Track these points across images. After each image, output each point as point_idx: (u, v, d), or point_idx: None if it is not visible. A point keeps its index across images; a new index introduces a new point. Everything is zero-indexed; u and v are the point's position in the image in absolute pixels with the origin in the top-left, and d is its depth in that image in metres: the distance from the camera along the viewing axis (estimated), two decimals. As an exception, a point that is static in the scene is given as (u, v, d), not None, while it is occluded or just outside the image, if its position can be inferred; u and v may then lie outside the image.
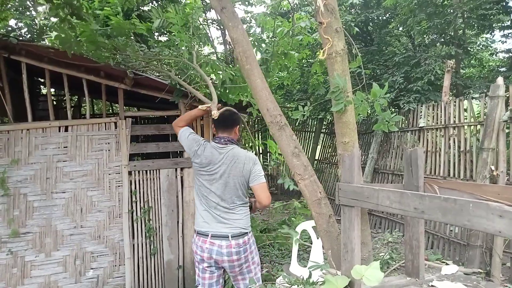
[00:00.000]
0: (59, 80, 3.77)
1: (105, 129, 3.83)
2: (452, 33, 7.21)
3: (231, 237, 2.54)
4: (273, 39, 3.91)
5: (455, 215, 1.45)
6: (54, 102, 6.90)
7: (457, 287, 2.02)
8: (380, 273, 1.77)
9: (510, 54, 8.01)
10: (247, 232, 2.63)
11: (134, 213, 3.88)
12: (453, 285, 2.05)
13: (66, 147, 3.70)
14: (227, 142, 2.68)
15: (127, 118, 3.86)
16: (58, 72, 3.66)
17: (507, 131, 4.24)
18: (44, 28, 5.11)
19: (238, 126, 2.80)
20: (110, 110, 8.13)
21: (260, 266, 2.80)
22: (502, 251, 3.99)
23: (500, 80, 4.19)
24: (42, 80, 5.18)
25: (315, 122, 9.62)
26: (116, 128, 3.84)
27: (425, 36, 7.82)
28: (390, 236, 5.37)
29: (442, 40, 7.48)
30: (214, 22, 9.24)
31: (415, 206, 1.60)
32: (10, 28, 5.26)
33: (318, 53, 2.29)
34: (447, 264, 2.82)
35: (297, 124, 9.65)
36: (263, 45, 3.92)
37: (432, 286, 2.06)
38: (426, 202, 1.56)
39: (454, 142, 5.05)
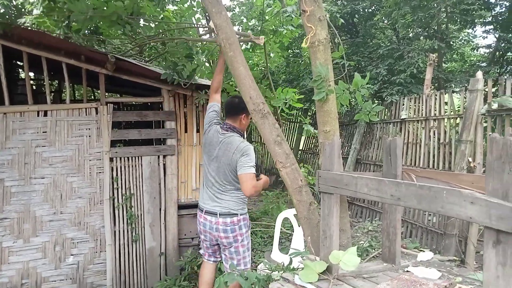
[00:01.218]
0: (38, 64, 3.67)
1: (86, 114, 3.76)
2: (436, 27, 7.31)
3: (219, 214, 2.71)
4: (263, 16, 3.87)
5: (429, 202, 1.50)
6: (34, 87, 6.72)
7: (431, 272, 2.08)
8: (357, 258, 1.82)
9: (491, 49, 8.18)
10: (236, 214, 2.70)
11: (116, 200, 3.84)
12: (427, 270, 2.11)
13: (45, 132, 3.63)
14: (228, 129, 2.79)
15: (108, 104, 3.80)
16: (37, 55, 3.56)
17: (484, 124, 4.35)
18: (23, 9, 4.94)
19: (244, 115, 2.80)
20: (92, 96, 7.97)
21: (250, 251, 2.86)
22: (476, 239, 4.13)
23: (479, 74, 4.29)
24: (21, 64, 5.02)
25: (300, 112, 9.66)
26: (97, 113, 3.78)
27: (409, 29, 7.90)
28: (370, 224, 5.49)
29: (426, 34, 7.57)
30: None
31: (392, 193, 1.64)
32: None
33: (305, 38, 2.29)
34: (423, 252, 2.91)
35: (286, 114, 9.67)
36: (252, 21, 3.88)
37: (407, 271, 2.12)
38: (403, 189, 1.60)
39: (434, 134, 5.16)
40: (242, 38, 3.29)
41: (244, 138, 2.84)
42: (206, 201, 2.79)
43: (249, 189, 2.59)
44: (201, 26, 3.89)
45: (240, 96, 2.84)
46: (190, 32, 3.62)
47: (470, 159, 4.24)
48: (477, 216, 1.32)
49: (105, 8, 3.05)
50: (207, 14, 3.63)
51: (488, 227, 1.30)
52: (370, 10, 8.46)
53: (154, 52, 4.11)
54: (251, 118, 2.94)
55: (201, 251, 3.05)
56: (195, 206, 4.14)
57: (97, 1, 3.05)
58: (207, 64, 3.81)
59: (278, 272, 2.58)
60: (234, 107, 2.82)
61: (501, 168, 1.27)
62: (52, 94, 7.02)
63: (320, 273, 1.96)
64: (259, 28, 3.73)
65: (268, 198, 6.77)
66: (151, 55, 4.13)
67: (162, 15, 3.35)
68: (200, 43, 3.94)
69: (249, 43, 3.91)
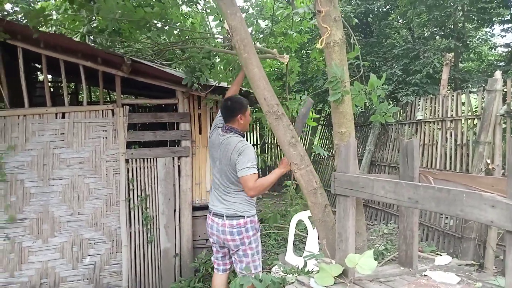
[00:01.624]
0: (56, 66, 3.74)
1: (102, 116, 3.82)
2: (452, 26, 7.18)
3: (226, 217, 2.69)
4: (272, 18, 3.87)
5: (448, 205, 1.47)
6: (52, 89, 6.86)
7: (450, 277, 2.04)
8: (374, 262, 1.80)
9: (509, 48, 8.00)
10: (243, 216, 2.67)
11: (131, 201, 3.89)
12: (446, 275, 2.07)
13: (63, 133, 3.69)
14: (228, 131, 2.79)
15: (124, 106, 3.85)
16: (55, 57, 3.64)
17: (503, 125, 4.25)
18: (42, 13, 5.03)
19: (240, 115, 2.79)
20: (108, 98, 8.10)
21: (260, 254, 2.81)
22: (495, 243, 4.04)
23: (498, 74, 4.20)
24: (39, 66, 5.13)
25: (314, 113, 9.62)
26: (113, 115, 3.83)
27: (424, 28, 7.78)
28: (386, 227, 5.42)
29: (442, 33, 7.45)
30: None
31: (409, 196, 1.62)
32: (6, 13, 5.20)
33: (316, 41, 2.28)
34: (441, 255, 2.86)
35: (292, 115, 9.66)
36: (263, 23, 3.89)
37: (425, 275, 2.08)
38: (421, 192, 1.57)
39: (451, 135, 5.07)
40: (267, 54, 3.30)
41: (244, 137, 2.82)
42: (214, 203, 2.79)
43: (249, 191, 2.56)
44: (221, 36, 3.90)
45: (232, 98, 2.86)
46: (212, 43, 3.64)
47: (489, 161, 4.15)
48: (498, 219, 1.29)
49: (134, 12, 3.11)
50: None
51: (509, 231, 1.27)
52: (385, 9, 8.37)
53: (173, 56, 4.14)
54: (250, 115, 2.96)
55: (212, 258, 3.01)
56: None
57: (126, 6, 3.11)
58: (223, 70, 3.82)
59: (293, 275, 2.57)
60: (229, 110, 2.80)
61: (523, 171, 1.24)
62: (69, 96, 7.19)
63: (336, 276, 1.94)
64: (269, 31, 3.73)
65: (281, 200, 6.76)
66: (171, 59, 4.16)
67: (188, 22, 3.40)
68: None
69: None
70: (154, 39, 3.44)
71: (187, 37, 3.65)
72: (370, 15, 8.34)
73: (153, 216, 3.96)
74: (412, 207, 2.02)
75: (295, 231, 4.05)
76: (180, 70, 3.54)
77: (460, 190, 1.44)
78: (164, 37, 3.57)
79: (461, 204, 1.42)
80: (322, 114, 9.46)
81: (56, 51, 3.61)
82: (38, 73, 6.23)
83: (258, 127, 9.96)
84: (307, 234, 3.89)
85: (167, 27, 3.36)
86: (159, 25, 3.29)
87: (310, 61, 8.94)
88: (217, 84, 3.71)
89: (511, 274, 1.25)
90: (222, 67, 3.92)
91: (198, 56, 3.45)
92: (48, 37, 3.59)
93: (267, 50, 3.30)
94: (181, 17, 3.44)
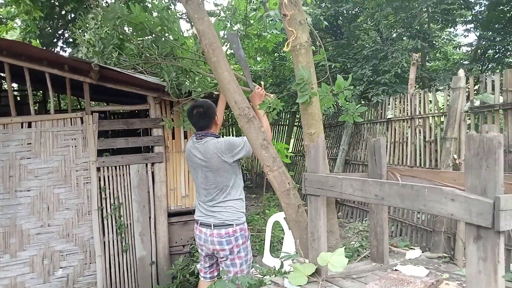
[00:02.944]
0: (22, 75, 3.63)
1: (71, 124, 3.73)
2: (418, 27, 7.43)
3: (213, 226, 2.61)
4: (245, 21, 3.89)
5: (412, 200, 1.52)
6: (18, 98, 6.65)
7: (419, 270, 2.10)
8: (345, 259, 1.83)
9: (472, 47, 8.34)
10: (231, 224, 2.59)
11: (104, 210, 3.81)
12: (415, 268, 2.14)
13: (30, 143, 3.58)
14: (202, 136, 2.69)
15: (93, 113, 3.77)
16: (19, 66, 3.52)
17: (468, 121, 4.43)
18: (3, 19, 4.89)
19: (216, 116, 2.74)
20: (78, 106, 7.91)
21: (250, 263, 2.72)
22: (465, 236, 4.18)
23: (461, 72, 4.37)
24: (3, 75, 4.96)
25: (288, 116, 9.71)
26: (82, 123, 3.75)
27: (392, 30, 8.02)
28: (361, 225, 5.52)
29: (409, 34, 7.69)
30: (183, 15, 9.11)
31: (376, 193, 1.66)
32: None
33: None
34: (413, 249, 2.94)
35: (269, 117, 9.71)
36: (236, 26, 3.90)
37: (395, 270, 2.14)
38: (386, 189, 1.62)
39: (420, 132, 5.23)
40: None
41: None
42: (201, 213, 2.71)
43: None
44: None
45: (203, 103, 2.74)
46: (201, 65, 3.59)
47: (456, 156, 4.30)
48: (458, 212, 1.35)
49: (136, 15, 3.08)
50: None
51: (468, 223, 1.32)
52: (354, 11, 8.57)
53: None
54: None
55: (198, 266, 2.92)
56: (185, 213, 4.14)
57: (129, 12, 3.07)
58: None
59: (270, 276, 2.58)
60: (206, 116, 2.70)
61: (478, 165, 1.30)
62: (37, 105, 6.98)
63: (309, 275, 1.96)
64: (243, 33, 3.74)
65: (259, 202, 6.77)
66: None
67: (184, 41, 3.35)
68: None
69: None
70: (146, 45, 3.37)
71: (176, 56, 3.61)
72: (340, 18, 8.51)
73: (127, 224, 3.89)
74: (379, 204, 2.07)
75: (272, 233, 4.07)
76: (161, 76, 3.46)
77: (423, 185, 1.49)
78: (155, 48, 3.51)
79: (423, 199, 1.47)
80: (297, 116, 9.56)
81: (20, 59, 3.50)
82: (3, 81, 6.01)
83: (234, 130, 9.96)
84: (284, 235, 3.92)
85: (163, 39, 3.31)
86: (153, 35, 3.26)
87: (283, 64, 9.05)
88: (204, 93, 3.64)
89: (471, 264, 1.31)
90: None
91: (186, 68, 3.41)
92: (11, 45, 3.48)
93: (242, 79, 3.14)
94: (179, 35, 3.39)
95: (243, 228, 2.66)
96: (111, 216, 3.82)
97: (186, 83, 3.52)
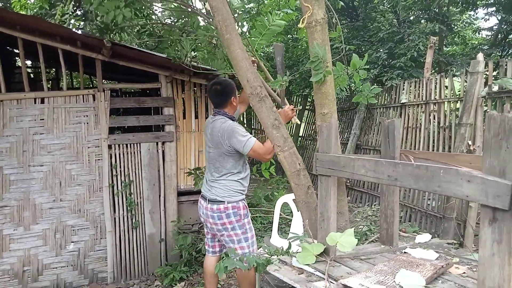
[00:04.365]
0: (35, 51, 3.63)
1: (83, 101, 3.74)
2: (437, 10, 7.20)
3: (208, 200, 2.71)
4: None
5: (426, 181, 1.49)
6: (32, 75, 6.69)
7: (429, 253, 2.08)
8: (354, 240, 1.82)
9: (493, 32, 8.07)
10: (223, 201, 2.64)
11: (115, 187, 3.85)
12: (425, 251, 2.12)
13: (43, 119, 3.61)
14: (216, 114, 2.76)
15: (105, 91, 3.77)
16: (32, 41, 3.52)
17: (485, 107, 4.31)
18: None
19: (233, 97, 2.73)
20: (91, 84, 7.93)
21: (251, 241, 2.75)
22: (475, 222, 4.13)
23: (480, 56, 4.23)
24: (17, 51, 4.98)
25: (300, 99, 9.61)
26: (94, 100, 3.76)
27: (410, 12, 7.78)
28: (370, 209, 5.50)
29: (427, 16, 7.46)
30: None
31: (389, 173, 1.63)
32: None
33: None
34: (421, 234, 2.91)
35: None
36: (250, 4, 3.79)
37: (404, 252, 2.12)
38: (400, 170, 1.59)
39: (434, 118, 5.13)
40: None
41: (235, 121, 2.75)
42: (204, 187, 2.84)
43: (266, 157, 2.60)
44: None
45: (222, 81, 2.77)
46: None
47: (470, 142, 4.22)
48: (474, 194, 1.31)
49: None
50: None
51: (484, 205, 1.29)
52: (370, -7, 8.33)
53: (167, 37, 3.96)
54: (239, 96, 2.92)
55: (205, 240, 3.01)
56: (194, 192, 4.16)
57: None
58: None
59: (277, 256, 2.59)
60: (222, 95, 2.71)
61: (498, 145, 1.25)
62: (51, 82, 7.02)
63: (318, 255, 1.96)
64: (256, 11, 3.66)
65: (267, 184, 6.79)
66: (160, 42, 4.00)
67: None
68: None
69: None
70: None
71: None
72: (356, -1, 8.30)
73: (137, 201, 3.93)
74: (391, 185, 2.04)
75: (280, 214, 4.07)
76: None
77: (438, 166, 1.45)
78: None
79: (438, 180, 1.44)
80: (309, 99, 9.46)
81: (33, 34, 3.49)
82: (17, 58, 6.05)
83: (245, 112, 9.91)
84: (292, 217, 3.92)
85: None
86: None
87: (296, 46, 8.90)
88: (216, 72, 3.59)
89: (485, 246, 1.28)
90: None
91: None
92: (24, 20, 3.47)
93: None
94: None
95: (236, 206, 2.67)
96: (122, 193, 3.86)
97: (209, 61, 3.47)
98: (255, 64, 2.98)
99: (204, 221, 2.83)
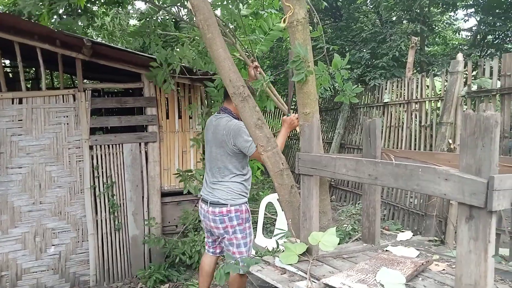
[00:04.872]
0: (13, 50, 3.53)
1: (63, 101, 3.66)
2: (418, 10, 7.32)
3: (209, 203, 2.63)
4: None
5: (406, 180, 1.50)
6: (10, 75, 6.52)
7: (410, 251, 2.11)
8: (336, 239, 1.83)
9: (472, 32, 8.25)
10: (225, 204, 2.58)
11: (97, 189, 3.78)
12: (406, 249, 2.14)
13: (21, 120, 3.52)
14: (221, 111, 2.73)
15: (86, 90, 3.71)
16: (9, 40, 3.43)
17: (464, 106, 4.40)
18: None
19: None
20: (72, 84, 7.79)
21: (250, 246, 2.70)
22: (455, 220, 4.22)
23: (459, 56, 4.31)
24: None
25: (285, 99, 9.63)
26: (75, 100, 3.69)
27: (392, 12, 7.90)
28: (354, 208, 5.55)
29: (408, 17, 7.59)
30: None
31: (370, 172, 1.64)
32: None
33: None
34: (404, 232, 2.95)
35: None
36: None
37: (386, 250, 2.14)
38: (380, 169, 1.60)
39: (416, 117, 5.21)
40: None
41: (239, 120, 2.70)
42: (204, 190, 2.76)
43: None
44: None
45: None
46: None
47: (450, 141, 4.29)
48: (451, 192, 1.33)
49: None
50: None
51: (461, 203, 1.31)
52: (354, -7, 8.41)
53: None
54: None
55: (205, 239, 2.95)
56: (178, 193, 4.13)
57: None
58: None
59: (262, 255, 2.59)
60: (227, 93, 2.65)
61: (474, 144, 1.27)
62: (31, 81, 6.86)
63: (300, 254, 1.96)
64: (240, 12, 3.64)
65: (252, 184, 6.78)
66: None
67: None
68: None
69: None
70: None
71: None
72: (339, -1, 8.38)
73: (120, 203, 3.88)
74: (372, 184, 2.06)
75: (265, 214, 4.07)
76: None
77: (417, 165, 1.47)
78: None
79: (417, 179, 1.45)
80: (294, 99, 9.48)
81: (10, 33, 3.40)
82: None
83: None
84: (277, 216, 3.93)
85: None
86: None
87: (281, 45, 8.92)
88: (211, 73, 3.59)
89: (462, 244, 1.30)
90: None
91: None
92: (1, 17, 3.38)
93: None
94: None
95: (238, 210, 2.62)
96: (104, 194, 3.80)
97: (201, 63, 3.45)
98: (259, 70, 2.96)
99: (205, 225, 2.75)
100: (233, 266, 2.30)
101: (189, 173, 3.70)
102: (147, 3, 3.50)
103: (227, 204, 2.60)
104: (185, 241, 3.78)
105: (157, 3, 3.47)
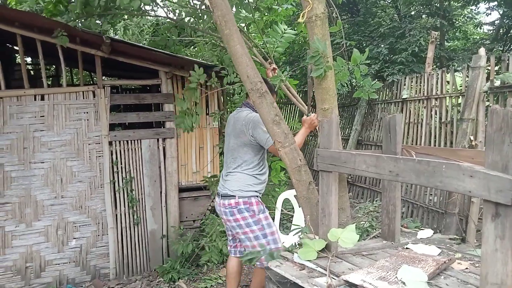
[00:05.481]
0: (35, 48, 3.62)
1: (83, 98, 3.73)
2: (438, 4, 7.15)
3: (221, 196, 2.67)
4: None
5: (428, 176, 1.47)
6: (32, 72, 6.68)
7: (431, 249, 2.08)
8: (356, 235, 1.81)
9: (494, 26, 8.03)
10: (233, 196, 2.59)
11: (116, 184, 3.85)
12: (427, 247, 2.11)
13: (43, 116, 3.61)
14: (242, 105, 2.79)
15: (105, 87, 3.76)
16: (31, 38, 3.51)
17: (487, 102, 4.29)
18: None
19: None
20: (91, 81, 7.92)
21: (272, 238, 2.63)
22: (477, 218, 4.12)
23: (482, 51, 4.20)
24: (17, 48, 4.97)
25: (301, 95, 9.58)
26: (94, 97, 3.75)
27: (411, 7, 7.75)
28: (372, 205, 5.49)
29: (428, 11, 7.43)
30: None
31: (390, 169, 1.62)
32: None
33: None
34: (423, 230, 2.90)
35: (284, 96, 9.62)
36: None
37: (406, 248, 2.12)
38: (401, 165, 1.58)
39: (436, 113, 5.11)
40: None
41: None
42: (219, 183, 2.81)
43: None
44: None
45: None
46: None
47: (472, 138, 4.19)
48: (476, 189, 1.30)
49: None
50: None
51: (487, 201, 1.28)
52: (372, -13, 8.28)
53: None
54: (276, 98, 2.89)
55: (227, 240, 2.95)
56: (195, 189, 4.16)
57: None
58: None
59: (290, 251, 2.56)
60: None
61: (501, 140, 1.24)
62: (51, 79, 7.01)
63: (319, 251, 1.95)
64: (253, 6, 3.64)
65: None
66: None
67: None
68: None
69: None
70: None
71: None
72: (357, -6, 8.26)
73: (139, 198, 3.93)
74: (393, 180, 2.03)
75: (281, 210, 4.07)
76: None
77: (440, 161, 1.44)
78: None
79: (440, 175, 1.43)
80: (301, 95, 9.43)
81: (32, 30, 3.48)
82: (17, 55, 6.03)
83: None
84: (294, 213, 3.92)
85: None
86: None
87: (295, 40, 8.85)
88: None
89: (487, 242, 1.27)
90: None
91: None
92: (23, 16, 3.46)
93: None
94: None
95: (247, 202, 2.60)
96: (123, 189, 3.86)
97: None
98: (276, 72, 2.96)
99: (223, 220, 2.78)
100: (251, 253, 2.27)
101: (215, 178, 3.79)
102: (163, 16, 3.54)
103: (235, 196, 2.60)
104: (211, 245, 3.76)
105: (173, 16, 3.51)
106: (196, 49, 3.64)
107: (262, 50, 3.29)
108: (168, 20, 3.86)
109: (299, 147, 2.55)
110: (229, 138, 2.74)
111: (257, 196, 2.69)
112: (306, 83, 8.62)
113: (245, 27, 4.15)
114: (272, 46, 3.35)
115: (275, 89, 2.87)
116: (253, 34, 3.56)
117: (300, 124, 2.83)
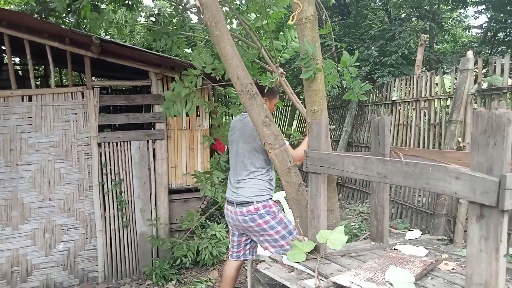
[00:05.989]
0: (23, 48, 3.57)
1: (72, 99, 3.69)
2: (427, 7, 7.23)
3: (236, 204, 2.62)
4: None
5: (415, 178, 1.49)
6: (20, 73, 6.59)
7: (418, 249, 2.09)
8: (344, 237, 1.82)
9: (482, 30, 8.14)
10: (251, 202, 2.56)
11: (105, 186, 3.81)
12: (415, 248, 2.13)
13: (31, 117, 3.56)
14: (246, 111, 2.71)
15: (95, 88, 3.73)
16: (19, 37, 3.46)
17: (474, 104, 4.34)
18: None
19: (266, 98, 2.67)
20: (81, 82, 7.85)
21: (292, 235, 2.58)
22: (465, 219, 4.17)
23: (470, 53, 4.26)
24: (4, 48, 4.89)
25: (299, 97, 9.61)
26: (83, 98, 3.71)
27: (401, 9, 7.82)
28: (361, 206, 5.52)
29: (417, 14, 7.51)
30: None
31: (378, 170, 1.63)
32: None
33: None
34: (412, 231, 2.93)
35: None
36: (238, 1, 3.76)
37: (394, 249, 2.13)
38: (389, 167, 1.59)
39: (425, 115, 5.16)
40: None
41: None
42: (228, 191, 2.74)
43: (295, 160, 2.47)
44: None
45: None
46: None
47: (460, 139, 4.25)
48: (462, 191, 1.31)
49: None
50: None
51: (472, 202, 1.29)
52: (362, -10, 8.34)
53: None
54: (275, 105, 2.86)
55: (230, 243, 2.91)
56: (186, 191, 4.14)
57: None
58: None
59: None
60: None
61: (485, 142, 1.26)
62: (39, 80, 6.92)
63: (308, 253, 1.96)
64: (244, 8, 3.64)
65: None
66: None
67: None
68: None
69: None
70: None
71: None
72: (348, -4, 8.31)
73: (128, 200, 3.90)
74: (381, 182, 2.04)
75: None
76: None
77: (426, 163, 1.46)
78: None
79: (427, 177, 1.44)
80: (301, 97, 9.46)
81: (20, 30, 3.44)
82: (4, 55, 5.94)
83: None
84: (284, 215, 3.91)
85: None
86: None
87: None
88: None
89: (472, 243, 1.28)
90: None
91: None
92: (10, 15, 3.42)
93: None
94: None
95: (266, 205, 2.59)
96: (112, 191, 3.83)
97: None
98: (284, 77, 2.92)
99: (235, 226, 2.72)
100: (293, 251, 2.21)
101: (207, 174, 3.66)
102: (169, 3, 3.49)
103: (253, 202, 2.57)
104: (189, 243, 3.77)
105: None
106: (195, 52, 3.62)
107: (270, 53, 3.28)
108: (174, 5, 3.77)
109: (303, 156, 2.53)
110: (237, 143, 2.70)
111: (272, 199, 2.68)
112: (297, 84, 8.68)
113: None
114: (278, 51, 3.36)
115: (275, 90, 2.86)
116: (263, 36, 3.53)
117: (291, 128, 2.84)
